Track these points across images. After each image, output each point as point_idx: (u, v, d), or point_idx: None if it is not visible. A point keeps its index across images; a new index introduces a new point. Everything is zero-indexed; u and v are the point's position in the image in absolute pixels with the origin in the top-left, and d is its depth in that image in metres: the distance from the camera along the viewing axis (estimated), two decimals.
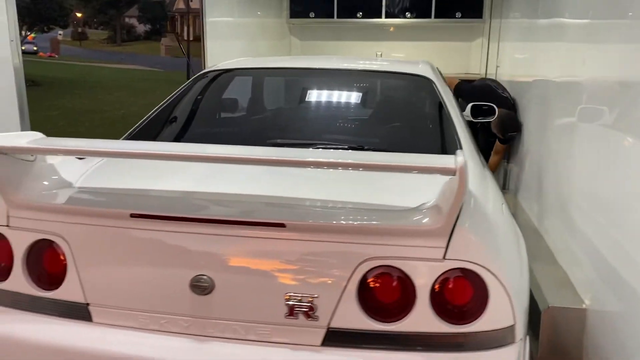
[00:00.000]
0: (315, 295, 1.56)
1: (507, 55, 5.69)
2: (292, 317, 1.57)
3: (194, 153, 1.62)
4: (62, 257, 1.73)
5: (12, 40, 2.80)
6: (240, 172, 1.91)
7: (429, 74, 2.81)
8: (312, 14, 7.38)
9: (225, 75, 3.09)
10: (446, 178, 1.49)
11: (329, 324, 1.57)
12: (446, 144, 2.35)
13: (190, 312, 1.63)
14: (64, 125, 11.61)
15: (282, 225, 1.56)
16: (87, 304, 1.71)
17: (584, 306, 2.38)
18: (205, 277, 1.60)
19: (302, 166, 1.73)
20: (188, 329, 1.64)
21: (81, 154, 1.87)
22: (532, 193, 3.62)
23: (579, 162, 2.63)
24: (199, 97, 2.91)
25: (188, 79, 5.10)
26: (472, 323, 1.53)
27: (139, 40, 52.26)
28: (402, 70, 2.93)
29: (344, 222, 1.57)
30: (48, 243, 1.74)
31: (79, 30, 54.06)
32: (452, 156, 1.41)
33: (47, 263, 1.75)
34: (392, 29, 7.59)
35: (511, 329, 1.55)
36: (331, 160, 1.59)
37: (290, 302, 1.57)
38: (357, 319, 1.56)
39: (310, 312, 1.56)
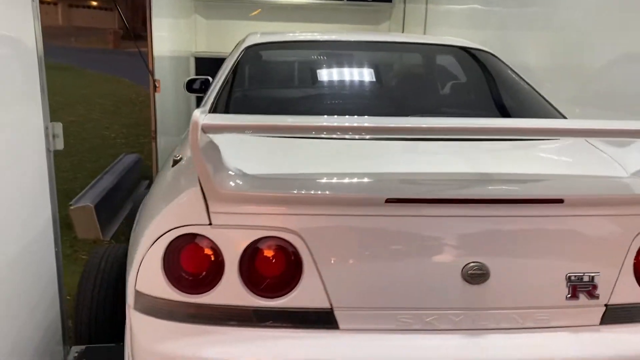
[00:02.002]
0: (597, 272, 1.49)
1: None
2: (574, 297, 1.48)
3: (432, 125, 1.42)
4: (293, 257, 1.44)
5: None
6: (433, 149, 1.75)
7: (486, 49, 2.81)
8: None
9: (276, 50, 2.79)
10: None
11: (608, 301, 1.51)
12: (550, 110, 2.37)
13: (462, 304, 1.46)
14: None
15: (560, 201, 1.46)
16: (332, 309, 1.44)
17: None
18: (479, 263, 1.44)
19: (523, 135, 1.64)
20: (458, 323, 1.46)
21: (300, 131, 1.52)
22: None
23: None
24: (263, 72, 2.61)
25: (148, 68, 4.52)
26: None
27: None
28: (459, 44, 2.89)
29: (621, 194, 1.51)
30: (274, 241, 1.43)
31: None
32: None
33: (272, 266, 1.44)
34: (299, 9, 7.48)
35: None
36: (556, 127, 1.51)
37: (572, 282, 1.48)
38: (632, 293, 1.52)
39: (592, 291, 1.49)
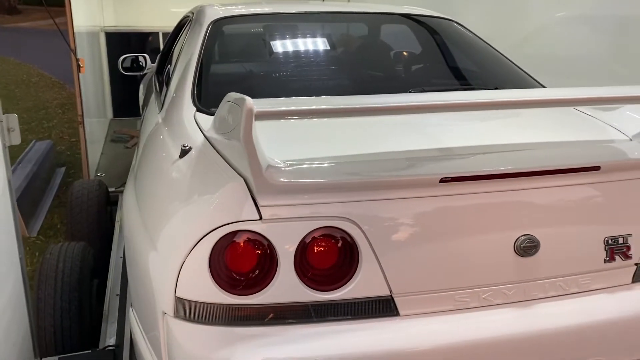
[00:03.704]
0: (629, 234, 1.55)
1: None
2: (611, 260, 1.54)
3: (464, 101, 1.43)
4: (349, 246, 1.37)
5: None
6: (460, 121, 1.74)
7: (447, 17, 2.83)
8: None
9: (245, 24, 2.63)
10: None
11: (638, 260, 1.58)
12: (527, 78, 2.43)
13: (515, 277, 1.46)
14: None
15: (597, 168, 1.49)
16: (392, 296, 1.39)
17: None
18: (529, 236, 1.45)
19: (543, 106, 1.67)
20: (511, 297, 1.47)
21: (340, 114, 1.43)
22: None
23: None
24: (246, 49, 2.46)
25: (69, 45, 4.10)
26: None
27: None
28: (419, 12, 2.87)
29: None
30: (328, 231, 1.36)
31: None
32: None
33: (328, 257, 1.36)
34: None
35: None
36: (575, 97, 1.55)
37: (609, 245, 1.53)
38: None
39: (625, 252, 1.55)
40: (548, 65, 3.53)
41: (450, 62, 2.65)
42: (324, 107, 1.29)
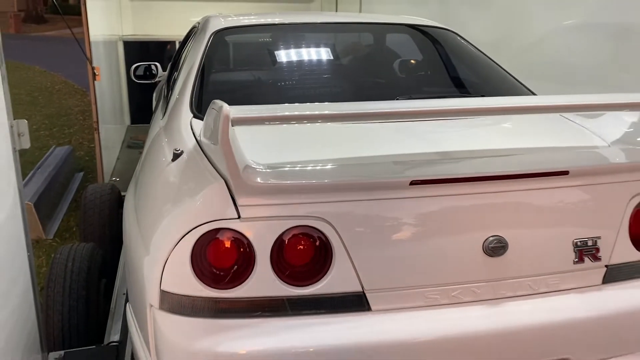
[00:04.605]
0: (598, 236, 1.61)
1: None
2: (580, 261, 1.60)
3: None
4: (323, 244, 1.45)
5: None
6: (439, 130, 1.81)
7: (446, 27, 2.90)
8: None
9: (246, 35, 2.74)
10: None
11: (608, 262, 1.63)
12: (519, 86, 2.49)
13: (484, 276, 1.53)
14: None
15: (566, 173, 1.56)
16: (363, 292, 1.47)
17: None
18: (498, 237, 1.52)
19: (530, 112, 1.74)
20: (481, 295, 1.54)
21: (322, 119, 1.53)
22: None
23: None
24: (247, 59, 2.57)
25: (85, 54, 4.26)
26: None
27: None
28: (422, 23, 2.95)
29: (617, 162, 1.63)
30: (303, 230, 1.44)
31: None
32: None
33: (303, 254, 1.45)
34: None
35: None
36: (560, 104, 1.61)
37: (578, 247, 1.59)
38: (630, 253, 1.65)
39: (595, 254, 1.61)
40: (554, 72, 3.58)
41: (446, 70, 2.72)
42: (296, 113, 1.37)
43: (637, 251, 1.66)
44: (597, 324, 1.59)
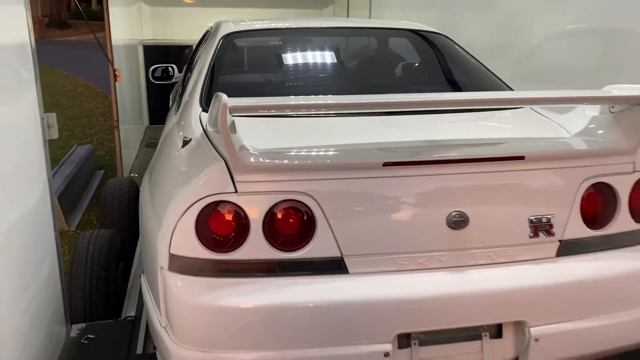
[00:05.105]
0: (552, 214, 1.83)
1: None
2: (535, 236, 1.82)
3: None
4: (308, 215, 1.70)
5: None
6: (415, 122, 2.05)
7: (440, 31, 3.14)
8: None
9: (253, 38, 3.01)
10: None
11: (561, 237, 1.85)
12: (499, 83, 2.73)
13: (447, 246, 1.76)
14: None
15: (522, 158, 1.78)
16: (342, 257, 1.72)
17: None
18: (460, 212, 1.75)
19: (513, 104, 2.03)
20: (446, 262, 1.77)
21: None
22: None
23: None
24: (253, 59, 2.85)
25: (107, 56, 4.57)
26: None
27: None
28: (419, 28, 3.19)
29: (568, 150, 1.86)
30: (291, 203, 1.69)
31: None
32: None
33: (290, 224, 1.70)
34: None
35: None
36: (537, 97, 1.86)
37: (534, 224, 1.81)
38: (581, 230, 1.87)
39: (549, 229, 1.83)
40: (546, 75, 3.78)
41: (440, 69, 2.97)
42: (288, 102, 1.63)
43: (588, 229, 1.88)
44: (551, 291, 1.80)
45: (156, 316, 1.83)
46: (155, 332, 1.82)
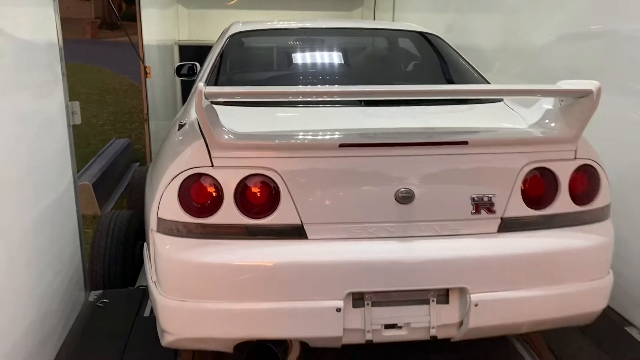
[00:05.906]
0: (493, 194, 2.05)
1: None
2: (477, 213, 2.04)
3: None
4: (273, 188, 1.98)
5: None
6: (378, 112, 2.32)
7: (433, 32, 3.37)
8: None
9: (257, 37, 3.32)
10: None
11: (502, 215, 2.07)
12: (478, 77, 2.94)
13: (395, 218, 2.01)
14: None
15: (465, 143, 2.01)
16: (302, 225, 1.99)
17: None
18: (407, 189, 1.99)
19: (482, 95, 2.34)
20: (394, 233, 2.02)
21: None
22: None
23: None
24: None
25: (139, 55, 4.98)
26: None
27: None
28: (413, 29, 3.43)
29: (511, 136, 2.08)
30: (259, 178, 1.97)
31: None
32: (589, 82, 1.98)
33: (258, 194, 1.98)
34: None
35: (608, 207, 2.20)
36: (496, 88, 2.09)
37: (476, 202, 2.04)
38: (522, 209, 2.08)
39: (490, 208, 2.05)
40: (552, 75, 3.93)
41: (431, 66, 3.21)
42: (259, 90, 1.91)
43: (529, 209, 2.09)
44: (490, 262, 2.02)
45: (149, 273, 2.14)
46: (149, 288, 2.14)
